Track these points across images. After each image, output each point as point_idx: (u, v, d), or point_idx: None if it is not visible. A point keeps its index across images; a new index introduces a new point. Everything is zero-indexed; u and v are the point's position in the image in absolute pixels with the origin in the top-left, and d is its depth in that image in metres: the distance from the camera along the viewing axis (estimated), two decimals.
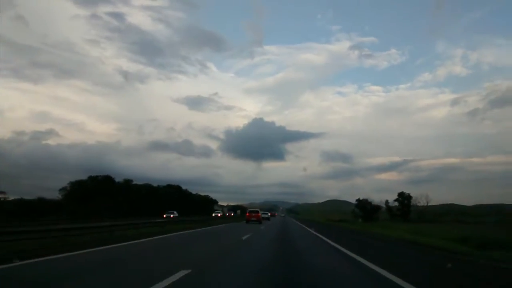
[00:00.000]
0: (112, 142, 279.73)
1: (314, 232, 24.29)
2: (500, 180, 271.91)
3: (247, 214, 44.43)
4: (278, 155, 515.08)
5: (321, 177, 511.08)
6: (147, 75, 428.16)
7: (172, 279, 6.00)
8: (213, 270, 7.45)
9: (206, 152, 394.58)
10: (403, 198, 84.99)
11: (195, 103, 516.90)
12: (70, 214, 56.80)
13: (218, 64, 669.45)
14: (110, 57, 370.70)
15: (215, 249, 11.88)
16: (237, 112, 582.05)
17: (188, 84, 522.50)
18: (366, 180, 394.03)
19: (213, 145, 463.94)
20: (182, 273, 6.56)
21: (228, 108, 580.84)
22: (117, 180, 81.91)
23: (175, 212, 58.19)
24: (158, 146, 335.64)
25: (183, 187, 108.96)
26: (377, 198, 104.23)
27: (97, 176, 78.40)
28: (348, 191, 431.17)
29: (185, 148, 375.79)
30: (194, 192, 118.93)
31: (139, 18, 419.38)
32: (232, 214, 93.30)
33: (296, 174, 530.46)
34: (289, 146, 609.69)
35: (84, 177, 78.33)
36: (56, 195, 74.25)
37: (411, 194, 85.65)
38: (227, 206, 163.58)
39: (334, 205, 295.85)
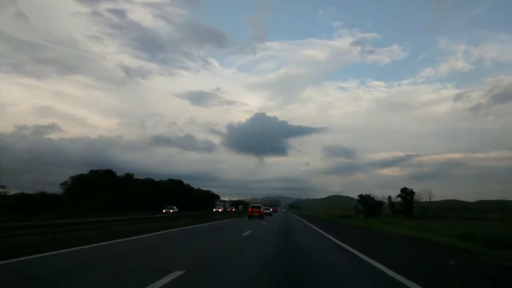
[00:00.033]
0: (114, 137, 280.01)
1: (316, 228, 23.88)
2: (503, 175, 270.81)
3: (249, 209, 44.87)
4: (280, 150, 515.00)
5: (323, 172, 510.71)
6: (149, 70, 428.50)
7: (162, 282, 5.49)
8: (209, 271, 6.89)
9: (208, 147, 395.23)
10: (406, 194, 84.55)
11: (197, 98, 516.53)
12: (71, 208, 56.73)
13: (220, 60, 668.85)
14: (112, 53, 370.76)
15: (213, 247, 11.32)
16: (240, 107, 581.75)
17: (190, 80, 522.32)
18: (368, 176, 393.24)
19: (216, 140, 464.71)
20: (175, 274, 6.06)
21: (231, 103, 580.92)
22: (118, 174, 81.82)
23: (174, 207, 57.30)
24: (160, 140, 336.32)
25: (185, 182, 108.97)
26: (380, 193, 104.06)
27: (98, 170, 78.23)
28: (350, 187, 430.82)
29: (187, 142, 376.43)
30: (196, 187, 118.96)
31: (140, 15, 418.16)
32: (234, 210, 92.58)
33: (298, 169, 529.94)
34: (291, 141, 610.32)
35: (86, 171, 78.21)
36: (57, 190, 74.32)
37: (413, 190, 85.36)
38: (229, 201, 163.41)
39: (336, 200, 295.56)
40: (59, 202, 66.36)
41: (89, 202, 61.77)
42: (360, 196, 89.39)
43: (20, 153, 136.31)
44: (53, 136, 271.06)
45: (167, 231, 16.91)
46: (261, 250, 10.54)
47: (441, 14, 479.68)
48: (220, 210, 69.19)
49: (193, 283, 5.74)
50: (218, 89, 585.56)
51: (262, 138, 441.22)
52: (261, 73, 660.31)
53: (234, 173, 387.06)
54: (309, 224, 30.56)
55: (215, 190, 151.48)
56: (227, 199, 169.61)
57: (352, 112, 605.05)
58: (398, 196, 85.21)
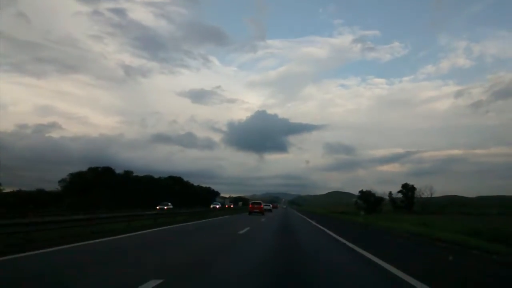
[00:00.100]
0: (115, 135, 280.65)
1: (317, 224, 23.16)
2: (503, 171, 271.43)
3: (250, 205, 45.38)
4: (280, 147, 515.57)
5: (323, 169, 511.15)
6: (149, 69, 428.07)
7: None
8: (194, 278, 5.78)
9: (209, 145, 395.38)
10: (407, 189, 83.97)
11: (198, 96, 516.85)
12: (69, 206, 56.17)
13: (221, 58, 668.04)
14: (112, 52, 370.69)
15: (204, 247, 10.06)
16: (240, 105, 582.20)
17: (191, 78, 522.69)
18: (368, 172, 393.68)
19: (216, 137, 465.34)
20: (150, 284, 5.05)
21: (231, 101, 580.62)
22: (117, 171, 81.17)
23: (169, 204, 55.88)
24: (161, 138, 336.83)
25: (186, 179, 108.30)
26: (380, 190, 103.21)
27: (97, 168, 77.62)
28: (351, 183, 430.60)
29: (188, 140, 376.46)
30: (196, 184, 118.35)
31: (141, 14, 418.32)
32: (232, 206, 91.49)
33: (299, 166, 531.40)
34: (292, 138, 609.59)
35: (86, 169, 77.47)
36: (56, 187, 73.69)
37: (414, 186, 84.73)
38: (229, 197, 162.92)
39: (337, 197, 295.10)
40: (57, 199, 65.84)
41: (87, 199, 61.23)
42: (361, 192, 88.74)
43: (21, 151, 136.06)
44: (54, 134, 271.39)
45: (156, 229, 15.77)
46: (258, 251, 9.62)
47: (441, 11, 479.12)
48: (217, 206, 67.36)
49: None
50: (218, 87, 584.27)
51: (263, 135, 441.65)
52: (262, 71, 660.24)
53: (234, 170, 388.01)
54: (310, 221, 29.87)
55: (215, 187, 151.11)
56: (227, 195, 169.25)
57: (353, 109, 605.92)
58: (399, 192, 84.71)
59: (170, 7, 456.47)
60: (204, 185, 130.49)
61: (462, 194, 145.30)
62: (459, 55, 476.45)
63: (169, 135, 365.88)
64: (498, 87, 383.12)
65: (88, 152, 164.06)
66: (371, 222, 29.55)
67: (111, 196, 65.99)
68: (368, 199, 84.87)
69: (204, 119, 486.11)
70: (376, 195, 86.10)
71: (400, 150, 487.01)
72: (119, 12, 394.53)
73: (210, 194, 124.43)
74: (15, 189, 70.82)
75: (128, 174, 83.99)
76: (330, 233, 16.51)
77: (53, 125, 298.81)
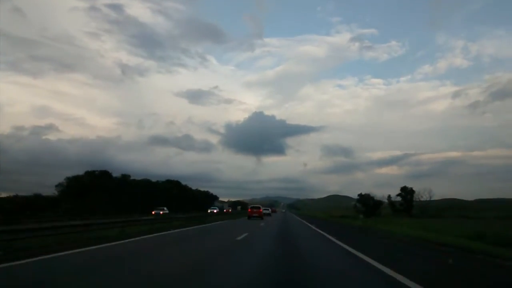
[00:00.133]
0: (112, 137, 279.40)
1: (316, 229, 22.75)
2: (501, 174, 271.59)
3: (249, 210, 45.17)
4: (278, 150, 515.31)
5: (322, 171, 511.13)
6: (146, 68, 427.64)
7: None
8: None
9: (206, 147, 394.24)
10: (406, 192, 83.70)
11: (195, 96, 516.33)
12: (65, 211, 55.50)
13: (219, 56, 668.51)
14: (109, 50, 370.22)
15: (197, 256, 9.21)
16: (237, 105, 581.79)
17: (188, 77, 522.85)
18: (366, 175, 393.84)
19: (214, 139, 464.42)
20: None
21: (228, 101, 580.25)
22: (114, 175, 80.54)
23: (165, 209, 54.57)
24: (158, 140, 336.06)
25: (184, 183, 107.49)
26: (379, 193, 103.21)
27: (94, 171, 76.91)
28: (349, 186, 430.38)
29: (185, 142, 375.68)
30: (194, 188, 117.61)
31: (138, 10, 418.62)
32: (230, 210, 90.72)
33: (297, 169, 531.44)
34: (290, 140, 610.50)
35: (83, 173, 76.82)
36: (52, 191, 73.00)
37: (413, 189, 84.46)
38: (228, 201, 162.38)
39: (335, 200, 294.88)
40: (54, 204, 65.15)
41: (84, 204, 60.62)
42: (360, 195, 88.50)
43: (18, 155, 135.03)
44: (51, 137, 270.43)
45: (149, 236, 14.89)
46: (257, 259, 9.15)
47: (439, 10, 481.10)
48: (215, 211, 66.36)
49: None
50: (216, 87, 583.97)
51: (260, 137, 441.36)
52: (259, 70, 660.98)
53: (232, 174, 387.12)
54: (310, 225, 29.45)
55: (213, 191, 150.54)
56: (225, 199, 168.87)
57: (350, 110, 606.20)
58: (398, 195, 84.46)
59: (167, 3, 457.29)
60: (202, 189, 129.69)
61: (461, 197, 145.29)
62: (456, 54, 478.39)
63: (166, 137, 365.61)
64: (496, 88, 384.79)
65: (86, 155, 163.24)
66: (370, 226, 29.20)
67: (108, 201, 65.35)
68: (367, 203, 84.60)
69: (201, 120, 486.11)
70: (375, 198, 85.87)
71: (398, 153, 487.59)
72: (116, 8, 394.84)
73: (209, 198, 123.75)
74: (12, 194, 70.21)
75: (125, 177, 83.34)
76: (331, 238, 16.10)
77: (50, 127, 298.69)
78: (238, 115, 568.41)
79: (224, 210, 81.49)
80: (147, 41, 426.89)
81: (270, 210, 69.91)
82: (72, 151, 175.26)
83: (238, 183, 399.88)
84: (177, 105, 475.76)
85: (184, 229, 20.47)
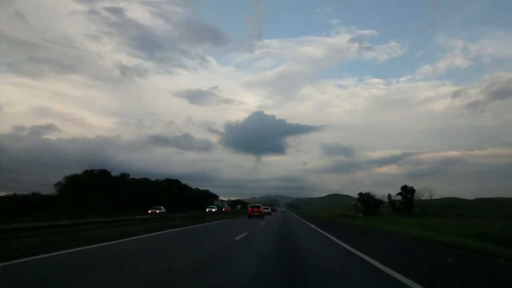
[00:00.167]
0: (112, 137, 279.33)
1: (316, 228, 22.49)
2: (501, 173, 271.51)
3: (249, 209, 45.18)
4: (278, 149, 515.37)
5: (321, 171, 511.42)
6: (146, 69, 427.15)
7: None
8: None
9: (206, 146, 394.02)
10: (406, 192, 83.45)
11: (195, 96, 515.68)
12: (65, 210, 55.22)
13: (218, 58, 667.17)
14: (109, 52, 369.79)
15: (193, 258, 8.61)
16: (237, 105, 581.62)
17: (188, 78, 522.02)
18: (366, 174, 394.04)
19: (213, 139, 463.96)
20: None
21: (228, 101, 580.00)
22: (113, 174, 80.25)
23: (161, 207, 53.68)
24: (158, 140, 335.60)
25: (183, 182, 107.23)
26: (378, 192, 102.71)
27: (93, 170, 76.60)
28: (349, 185, 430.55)
29: (185, 142, 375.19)
30: (193, 187, 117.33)
31: (138, 13, 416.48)
32: (230, 209, 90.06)
33: (297, 168, 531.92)
34: (290, 140, 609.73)
35: (82, 172, 76.46)
36: (51, 191, 72.73)
37: (414, 188, 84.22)
38: (228, 201, 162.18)
39: (336, 199, 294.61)
40: (53, 203, 64.88)
41: (83, 203, 60.35)
42: (360, 194, 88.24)
43: (18, 154, 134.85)
44: (51, 136, 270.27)
45: (141, 236, 14.24)
46: (257, 259, 8.88)
47: (439, 10, 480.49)
48: (213, 210, 64.91)
49: None
50: (215, 87, 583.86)
51: (260, 137, 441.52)
52: (259, 71, 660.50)
53: (232, 173, 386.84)
54: (309, 224, 29.21)
55: (213, 190, 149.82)
56: (225, 198, 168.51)
57: (350, 110, 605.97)
58: (398, 194, 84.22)
59: (167, 6, 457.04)
60: (202, 188, 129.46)
61: (461, 196, 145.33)
62: (456, 54, 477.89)
63: (166, 136, 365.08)
64: (495, 87, 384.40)
65: (85, 154, 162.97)
66: (370, 225, 28.96)
67: (107, 200, 65.06)
68: (367, 202, 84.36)
69: (201, 120, 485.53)
70: (375, 197, 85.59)
71: (397, 152, 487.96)
72: (116, 11, 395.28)
73: (208, 197, 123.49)
74: (10, 193, 69.97)
75: (124, 176, 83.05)
76: (331, 237, 15.86)
77: (50, 127, 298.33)
78: (238, 115, 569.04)
79: (223, 209, 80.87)
80: (146, 43, 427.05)
81: (270, 209, 69.95)
82: (72, 151, 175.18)
83: (238, 182, 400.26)
84: (176, 105, 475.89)
85: (183, 228, 20.12)
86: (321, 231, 20.45)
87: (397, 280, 6.21)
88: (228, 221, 32.46)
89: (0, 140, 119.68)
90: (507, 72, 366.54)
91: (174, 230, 18.62)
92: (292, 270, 7.26)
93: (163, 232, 16.93)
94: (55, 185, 73.06)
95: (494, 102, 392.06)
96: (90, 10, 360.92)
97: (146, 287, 5.53)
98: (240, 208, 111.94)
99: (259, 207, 45.35)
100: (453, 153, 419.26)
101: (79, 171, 76.91)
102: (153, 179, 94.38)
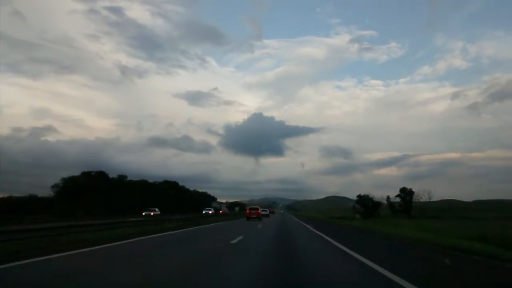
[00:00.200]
0: (111, 138, 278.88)
1: (314, 230, 22.15)
2: (500, 175, 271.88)
3: (247, 211, 45.02)
4: (277, 151, 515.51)
5: (320, 172, 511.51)
6: (146, 70, 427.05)
7: None
8: None
9: (205, 148, 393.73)
10: (405, 193, 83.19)
11: (195, 98, 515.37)
12: (61, 212, 54.75)
13: (218, 58, 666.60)
14: (109, 52, 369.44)
15: (182, 265, 7.92)
16: (237, 107, 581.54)
17: (187, 79, 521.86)
18: (365, 176, 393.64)
19: (213, 140, 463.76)
20: None
21: (228, 103, 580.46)
22: (111, 176, 79.78)
23: (156, 210, 53.02)
24: (157, 142, 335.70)
25: (182, 184, 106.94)
26: (377, 194, 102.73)
27: (90, 172, 76.18)
28: (348, 187, 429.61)
29: (184, 144, 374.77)
30: (192, 189, 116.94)
31: (138, 13, 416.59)
32: (227, 211, 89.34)
33: (295, 170, 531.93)
34: (289, 142, 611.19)
35: (80, 173, 75.98)
36: (49, 192, 72.24)
37: (412, 190, 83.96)
38: (226, 202, 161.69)
39: (334, 201, 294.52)
40: (49, 205, 64.40)
41: (80, 205, 59.90)
42: (359, 196, 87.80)
43: (17, 156, 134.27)
44: (50, 138, 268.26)
45: (132, 240, 13.71)
46: (253, 263, 8.51)
47: (438, 11, 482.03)
48: (210, 212, 64.38)
49: None
50: (215, 89, 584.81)
51: (259, 138, 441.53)
52: (259, 71, 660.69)
53: (231, 174, 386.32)
54: (307, 226, 28.83)
55: (212, 192, 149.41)
56: (224, 200, 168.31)
57: (349, 112, 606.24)
58: (397, 196, 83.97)
59: (167, 5, 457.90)
60: (200, 190, 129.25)
61: (460, 198, 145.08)
62: (455, 56, 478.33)
63: (165, 138, 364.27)
64: (495, 89, 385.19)
65: (84, 156, 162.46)
66: (369, 227, 28.62)
67: (104, 202, 64.61)
68: (366, 204, 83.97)
69: (200, 122, 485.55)
70: (374, 199, 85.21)
71: (397, 154, 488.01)
72: (116, 10, 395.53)
73: (207, 199, 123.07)
74: (6, 195, 69.44)
75: (122, 178, 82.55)
76: (329, 239, 15.52)
77: (49, 128, 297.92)
78: (237, 116, 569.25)
79: (220, 212, 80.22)
80: (146, 43, 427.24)
81: (268, 211, 69.76)
82: (70, 152, 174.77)
83: (236, 184, 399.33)
84: (176, 106, 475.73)
85: (178, 231, 19.68)
86: (319, 233, 20.13)
87: (394, 281, 5.95)
88: (226, 223, 32.08)
89: (1, 142, 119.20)
90: (506, 74, 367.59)
91: (176, 232, 18.36)
92: (290, 272, 7.07)
93: (158, 235, 16.47)
94: (52, 187, 72.69)
95: (493, 104, 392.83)
96: (90, 9, 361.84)
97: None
98: (238, 210, 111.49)
99: (257, 209, 45.23)
100: (452, 155, 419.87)
101: (77, 173, 76.57)
102: (151, 181, 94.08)
